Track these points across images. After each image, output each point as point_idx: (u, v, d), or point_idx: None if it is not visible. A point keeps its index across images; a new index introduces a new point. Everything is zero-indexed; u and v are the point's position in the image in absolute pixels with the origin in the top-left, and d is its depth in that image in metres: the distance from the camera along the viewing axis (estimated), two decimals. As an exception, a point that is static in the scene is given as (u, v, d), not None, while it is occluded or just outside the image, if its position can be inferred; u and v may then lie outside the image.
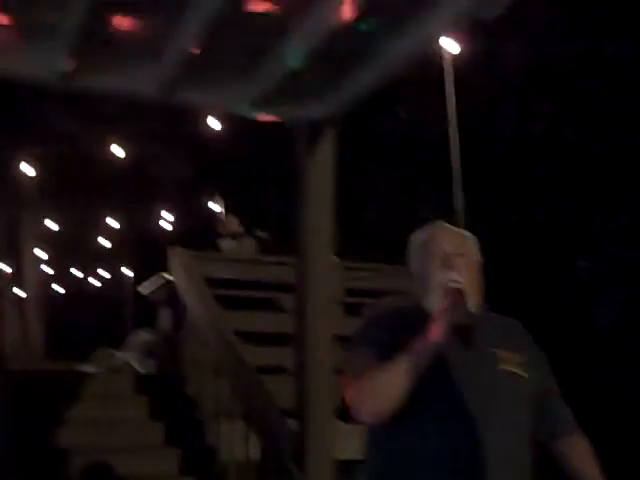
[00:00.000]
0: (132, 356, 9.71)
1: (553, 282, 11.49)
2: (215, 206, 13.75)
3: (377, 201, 14.66)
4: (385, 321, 2.36)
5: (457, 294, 2.23)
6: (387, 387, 2.16)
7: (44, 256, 16.19)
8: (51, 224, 15.90)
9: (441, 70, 9.21)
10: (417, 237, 2.46)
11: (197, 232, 12.17)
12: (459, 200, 7.62)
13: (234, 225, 8.11)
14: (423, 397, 2.19)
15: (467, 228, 2.60)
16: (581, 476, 2.33)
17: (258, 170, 14.74)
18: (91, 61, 3.28)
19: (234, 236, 7.80)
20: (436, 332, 2.16)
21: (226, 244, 7.72)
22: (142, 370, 8.71)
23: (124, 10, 3.16)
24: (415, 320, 2.25)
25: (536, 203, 12.11)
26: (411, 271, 2.45)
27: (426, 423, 2.21)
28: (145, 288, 7.38)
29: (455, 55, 8.43)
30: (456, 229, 2.48)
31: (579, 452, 2.37)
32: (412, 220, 2.57)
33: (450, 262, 2.30)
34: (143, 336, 9.88)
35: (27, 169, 13.85)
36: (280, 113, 3.78)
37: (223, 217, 8.40)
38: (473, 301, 2.33)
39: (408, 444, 2.22)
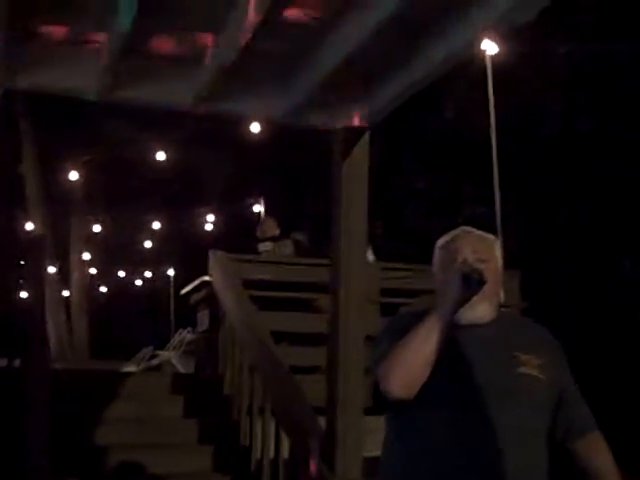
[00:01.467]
0: (174, 355, 9.87)
1: (597, 280, 11.38)
2: (258, 209, 13.89)
3: (419, 201, 14.64)
4: (404, 323, 2.37)
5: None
6: (413, 353, 2.20)
7: (89, 258, 16.48)
8: (97, 227, 16.20)
9: (485, 69, 9.16)
10: (440, 242, 2.47)
11: (238, 235, 12.29)
12: (497, 200, 7.56)
13: (272, 228, 8.17)
14: (440, 394, 2.22)
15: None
16: (597, 476, 2.31)
17: (298, 174, 14.81)
18: (129, 72, 3.36)
19: (272, 239, 7.86)
20: (451, 289, 2.23)
21: (264, 247, 7.78)
22: (183, 369, 8.84)
23: (163, 25, 3.22)
24: None
25: (581, 201, 12.01)
26: (434, 275, 2.46)
27: (440, 420, 2.22)
28: (185, 289, 7.50)
29: (500, 54, 8.39)
30: (480, 234, 2.46)
31: (596, 452, 2.34)
32: (455, 220, 2.58)
33: (472, 266, 2.30)
34: (185, 336, 10.04)
35: (74, 174, 14.13)
36: (315, 120, 3.84)
37: (261, 220, 8.46)
38: (494, 304, 2.37)
39: (421, 439, 2.24)
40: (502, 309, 2.48)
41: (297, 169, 14.70)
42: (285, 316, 6.45)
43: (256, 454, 4.88)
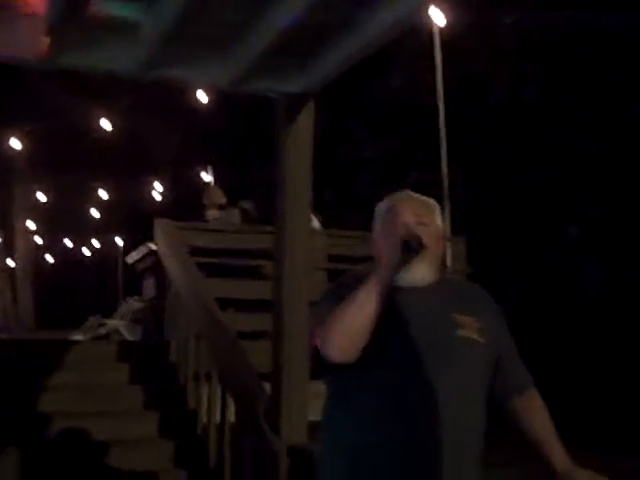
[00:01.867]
0: (122, 324, 9.80)
1: (543, 247, 11.56)
2: (206, 177, 13.80)
3: (368, 169, 14.69)
4: (345, 286, 2.39)
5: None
6: (352, 316, 2.22)
7: (35, 227, 16.27)
8: (42, 196, 15.99)
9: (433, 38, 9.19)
10: (381, 206, 2.48)
11: (187, 203, 12.22)
12: (444, 167, 7.63)
13: (218, 196, 8.14)
14: (377, 357, 2.25)
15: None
16: (533, 434, 2.36)
17: (248, 142, 14.74)
18: (69, 39, 3.30)
19: (219, 207, 7.84)
20: (391, 254, 2.26)
21: (212, 215, 7.76)
22: (131, 337, 8.78)
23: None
24: None
25: (527, 168, 12.15)
26: (374, 238, 2.47)
27: (378, 383, 2.25)
28: (131, 257, 7.47)
29: (447, 23, 8.43)
30: (421, 198, 2.49)
31: (533, 411, 2.39)
32: (403, 187, 2.60)
33: (411, 231, 2.33)
34: (132, 304, 9.96)
35: (17, 143, 13.90)
36: (259, 87, 3.84)
37: (208, 187, 8.42)
38: (434, 267, 2.39)
39: (359, 402, 2.27)
40: (446, 273, 2.52)
41: (246, 137, 14.62)
42: (232, 283, 6.46)
43: (202, 419, 4.91)
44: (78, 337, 10.10)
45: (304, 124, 3.88)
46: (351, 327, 2.22)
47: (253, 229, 6.90)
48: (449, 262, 7.12)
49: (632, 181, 10.61)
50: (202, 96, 10.57)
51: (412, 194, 2.49)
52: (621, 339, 9.76)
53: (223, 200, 8.07)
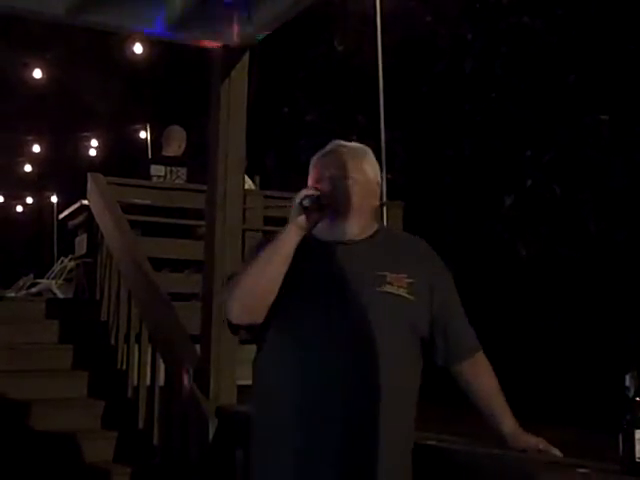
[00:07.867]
0: (54, 283, 9.62)
1: (482, 215, 11.64)
2: (143, 135, 13.47)
3: (312, 133, 14.61)
4: (262, 246, 2.36)
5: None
6: (252, 281, 2.20)
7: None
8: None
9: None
10: (313, 158, 2.41)
11: (125, 160, 11.97)
12: (382, 132, 7.57)
13: (179, 139, 7.17)
14: (294, 312, 2.20)
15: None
16: (481, 397, 2.33)
17: (188, 100, 14.51)
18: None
19: (167, 162, 7.03)
20: (291, 215, 2.20)
21: (157, 170, 7.04)
22: (63, 296, 8.61)
23: None
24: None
25: (466, 138, 12.18)
26: None
27: (294, 341, 2.20)
28: (64, 213, 7.29)
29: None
30: (352, 148, 2.39)
31: (479, 373, 2.35)
32: None
33: (328, 184, 2.28)
34: (67, 263, 9.78)
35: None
36: (194, 37, 3.73)
37: (169, 129, 7.39)
38: (362, 221, 2.31)
39: (278, 362, 2.22)
40: (385, 226, 2.45)
41: (192, 93, 14.38)
42: (168, 243, 6.35)
43: (133, 380, 4.84)
44: (11, 295, 9.90)
45: (239, 79, 3.78)
46: (248, 294, 2.20)
47: (189, 187, 6.72)
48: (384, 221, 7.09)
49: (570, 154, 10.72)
50: (138, 47, 10.28)
51: (340, 144, 2.40)
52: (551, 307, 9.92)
53: (181, 146, 7.13)
